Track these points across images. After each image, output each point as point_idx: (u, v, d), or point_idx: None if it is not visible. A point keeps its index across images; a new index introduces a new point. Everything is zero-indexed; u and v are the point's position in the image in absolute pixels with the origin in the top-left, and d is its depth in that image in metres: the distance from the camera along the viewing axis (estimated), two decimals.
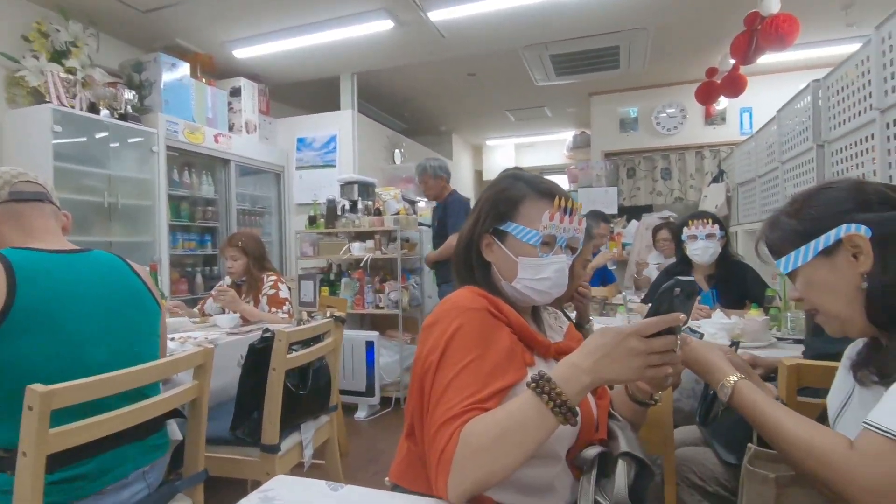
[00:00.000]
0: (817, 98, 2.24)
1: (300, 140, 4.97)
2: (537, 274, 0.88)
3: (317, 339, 1.91)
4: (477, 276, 0.93)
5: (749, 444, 1.01)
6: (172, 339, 1.98)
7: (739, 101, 5.09)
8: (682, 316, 0.70)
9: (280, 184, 4.95)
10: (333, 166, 4.83)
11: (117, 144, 3.33)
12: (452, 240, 3.19)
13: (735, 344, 0.95)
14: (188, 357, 1.26)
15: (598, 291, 3.18)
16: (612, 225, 5.25)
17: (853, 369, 0.83)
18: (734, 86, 3.99)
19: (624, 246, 5.22)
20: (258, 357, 1.65)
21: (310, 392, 1.79)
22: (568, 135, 7.77)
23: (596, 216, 3.35)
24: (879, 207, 0.77)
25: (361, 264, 3.64)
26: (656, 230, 3.62)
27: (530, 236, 0.88)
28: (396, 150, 5.75)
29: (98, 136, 3.23)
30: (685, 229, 2.22)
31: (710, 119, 5.64)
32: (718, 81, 4.19)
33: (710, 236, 2.13)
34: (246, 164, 4.44)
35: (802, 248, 0.80)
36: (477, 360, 0.77)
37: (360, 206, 3.88)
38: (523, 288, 0.89)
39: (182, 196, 3.95)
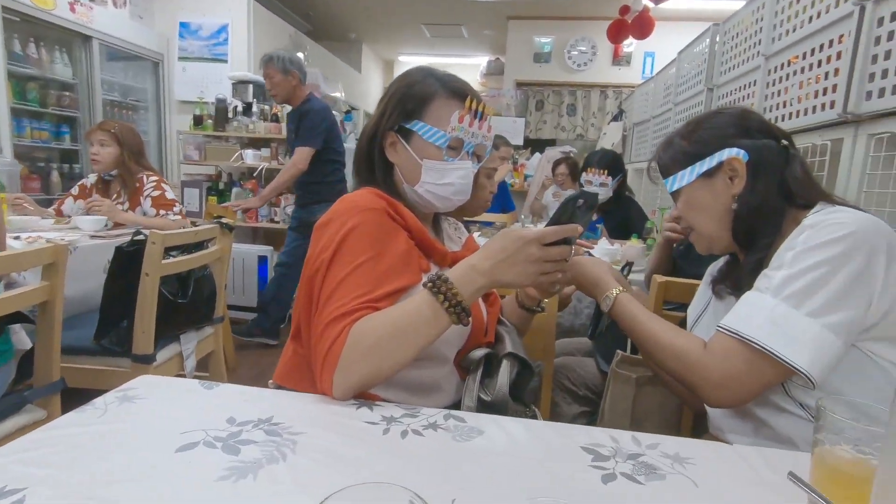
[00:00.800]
0: (714, 42, 2.37)
1: (183, 25, 4.30)
2: (441, 178, 0.85)
3: (200, 245, 1.76)
4: (378, 176, 0.88)
5: (618, 351, 1.13)
6: (17, 237, 1.70)
7: (644, 45, 5.30)
8: (580, 228, 0.72)
9: (158, 75, 4.32)
10: (225, 61, 4.29)
11: None
12: (297, 156, 2.63)
13: (629, 265, 1.03)
14: (33, 253, 1.08)
15: (497, 217, 3.30)
16: (515, 154, 5.36)
17: (712, 284, 0.93)
18: (642, 27, 4.12)
19: (526, 177, 5.39)
20: (127, 261, 1.48)
21: (190, 301, 1.66)
22: (482, 60, 7.62)
23: (500, 138, 3.37)
24: (758, 136, 0.83)
25: (255, 174, 3.36)
26: (556, 164, 3.76)
27: (437, 137, 0.83)
28: (300, 53, 5.21)
29: None
30: (584, 174, 2.39)
31: (617, 60, 5.83)
32: (629, 21, 4.28)
33: (602, 185, 2.34)
34: (114, 46, 3.77)
35: (688, 169, 0.85)
36: (371, 260, 0.74)
37: (255, 109, 3.53)
38: (425, 192, 0.86)
39: (29, 75, 3.29)
